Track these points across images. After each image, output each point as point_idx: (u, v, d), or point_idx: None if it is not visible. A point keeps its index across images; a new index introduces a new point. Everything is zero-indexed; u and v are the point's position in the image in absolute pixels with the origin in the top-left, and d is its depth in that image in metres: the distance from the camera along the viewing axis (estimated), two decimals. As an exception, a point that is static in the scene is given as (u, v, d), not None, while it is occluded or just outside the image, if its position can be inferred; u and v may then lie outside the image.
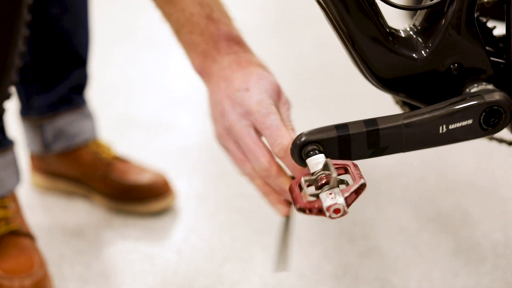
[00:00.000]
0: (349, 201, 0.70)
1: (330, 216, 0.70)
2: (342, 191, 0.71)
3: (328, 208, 0.70)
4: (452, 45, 0.82)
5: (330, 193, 0.71)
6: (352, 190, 0.71)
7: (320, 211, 0.70)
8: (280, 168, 0.82)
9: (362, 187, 0.71)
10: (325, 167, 0.74)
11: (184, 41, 0.87)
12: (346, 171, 0.75)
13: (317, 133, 0.78)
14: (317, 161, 0.76)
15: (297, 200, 0.73)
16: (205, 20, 0.85)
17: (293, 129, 0.83)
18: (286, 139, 0.80)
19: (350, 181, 0.74)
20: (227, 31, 0.86)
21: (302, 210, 0.71)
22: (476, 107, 0.80)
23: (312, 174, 0.75)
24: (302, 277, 1.19)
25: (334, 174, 0.72)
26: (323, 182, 0.73)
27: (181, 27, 0.86)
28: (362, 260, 1.23)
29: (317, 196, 0.71)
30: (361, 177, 0.72)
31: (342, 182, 0.73)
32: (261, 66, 0.86)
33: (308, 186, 0.75)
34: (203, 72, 0.87)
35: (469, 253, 1.23)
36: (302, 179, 0.74)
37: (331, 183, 0.71)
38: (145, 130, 1.76)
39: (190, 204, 1.43)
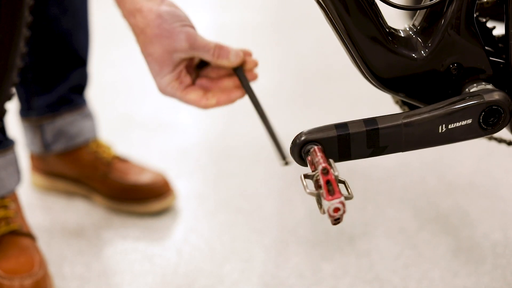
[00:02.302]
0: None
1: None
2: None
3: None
4: (451, 45, 0.82)
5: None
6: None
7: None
8: None
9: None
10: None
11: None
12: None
13: (316, 132, 0.78)
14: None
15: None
16: None
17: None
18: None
19: (350, 181, 0.74)
20: None
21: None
22: (476, 107, 0.80)
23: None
24: (302, 277, 1.19)
25: (336, 173, 0.72)
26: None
27: None
28: (362, 260, 1.23)
29: (316, 195, 0.72)
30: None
31: (341, 182, 0.74)
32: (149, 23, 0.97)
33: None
34: None
35: (469, 253, 1.23)
36: (302, 176, 0.75)
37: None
38: (145, 130, 1.76)
39: (190, 204, 1.43)
